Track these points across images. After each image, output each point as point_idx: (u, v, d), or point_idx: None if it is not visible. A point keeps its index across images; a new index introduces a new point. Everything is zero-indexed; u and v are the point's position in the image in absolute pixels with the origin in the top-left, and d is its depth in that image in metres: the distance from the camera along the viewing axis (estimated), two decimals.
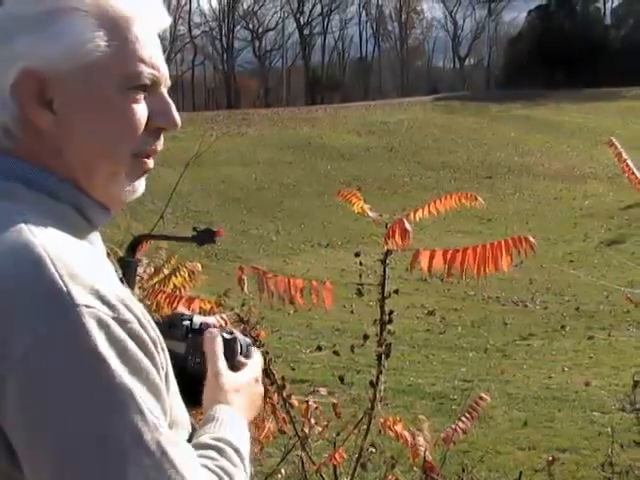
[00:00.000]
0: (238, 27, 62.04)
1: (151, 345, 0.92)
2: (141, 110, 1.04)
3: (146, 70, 1.03)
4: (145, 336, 0.91)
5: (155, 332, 0.94)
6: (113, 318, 0.89)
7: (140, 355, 0.90)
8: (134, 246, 1.85)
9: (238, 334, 1.30)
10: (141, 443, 0.87)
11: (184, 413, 1.10)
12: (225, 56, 60.99)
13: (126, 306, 0.91)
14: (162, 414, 0.91)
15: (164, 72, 1.07)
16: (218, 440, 1.07)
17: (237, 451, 1.07)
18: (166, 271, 3.63)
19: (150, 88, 1.05)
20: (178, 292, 3.18)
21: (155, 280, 3.49)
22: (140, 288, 3.16)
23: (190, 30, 61.17)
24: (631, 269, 12.88)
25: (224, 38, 60.71)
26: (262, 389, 1.28)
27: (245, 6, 62.17)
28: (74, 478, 0.85)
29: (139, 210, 16.70)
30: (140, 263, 3.50)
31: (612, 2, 57.76)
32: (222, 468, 1.02)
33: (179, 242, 3.55)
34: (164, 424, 0.91)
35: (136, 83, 1.02)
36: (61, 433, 0.85)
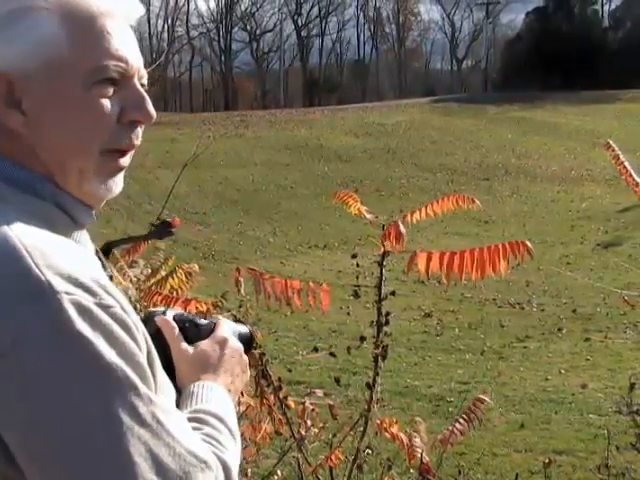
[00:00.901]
0: (236, 29, 62.24)
1: (134, 328, 0.93)
2: (109, 104, 1.02)
3: (111, 63, 1.01)
4: (128, 320, 0.92)
5: (136, 317, 0.95)
6: (95, 303, 0.89)
7: (126, 338, 0.91)
8: (105, 254, 1.82)
9: (217, 319, 1.29)
10: (138, 417, 0.88)
11: (172, 397, 1.10)
12: (223, 58, 61.07)
13: (107, 292, 0.92)
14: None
15: (135, 64, 1.05)
16: (196, 412, 1.07)
17: (218, 418, 1.07)
18: (163, 272, 3.63)
19: (120, 81, 1.03)
20: (175, 294, 3.18)
21: (152, 281, 3.49)
22: (137, 289, 3.15)
23: (188, 32, 61.30)
24: (628, 271, 12.87)
25: (222, 40, 60.86)
26: (235, 347, 1.25)
27: (243, 8, 62.35)
28: (82, 453, 0.86)
29: (136, 212, 16.66)
30: (136, 265, 3.50)
31: (610, 4, 58.03)
32: (208, 435, 1.02)
33: (145, 240, 3.52)
34: (155, 395, 0.92)
35: (102, 77, 1.01)
36: (56, 421, 0.86)
